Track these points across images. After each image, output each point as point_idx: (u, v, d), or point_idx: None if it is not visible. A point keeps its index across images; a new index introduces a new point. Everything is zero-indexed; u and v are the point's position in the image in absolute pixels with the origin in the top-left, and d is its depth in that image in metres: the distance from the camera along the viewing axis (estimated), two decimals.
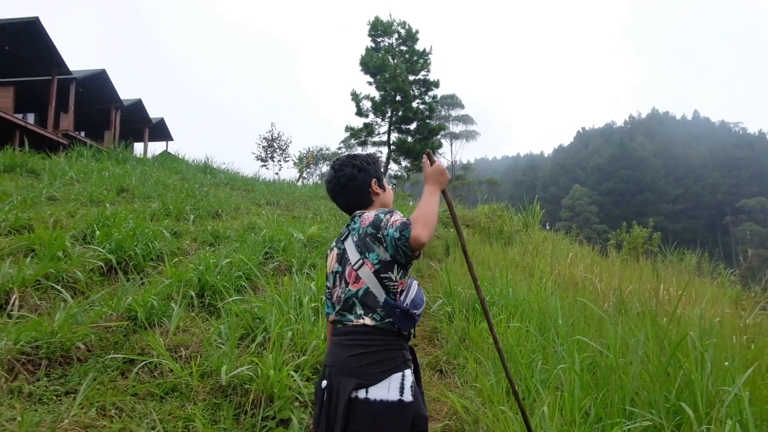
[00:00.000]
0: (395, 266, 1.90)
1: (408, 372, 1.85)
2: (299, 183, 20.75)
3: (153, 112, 31.04)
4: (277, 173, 28.86)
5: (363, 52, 27.05)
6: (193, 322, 3.48)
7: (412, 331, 2.00)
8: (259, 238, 5.98)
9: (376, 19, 27.43)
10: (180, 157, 18.72)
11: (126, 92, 27.23)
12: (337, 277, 2.03)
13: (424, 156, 2.04)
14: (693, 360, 3.04)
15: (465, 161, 66.29)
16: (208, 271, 4.00)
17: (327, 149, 46.88)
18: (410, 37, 27.37)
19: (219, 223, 7.16)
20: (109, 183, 8.60)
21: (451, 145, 61.38)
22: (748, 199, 75.73)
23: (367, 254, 1.92)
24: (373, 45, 27.71)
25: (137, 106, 28.48)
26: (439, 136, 30.48)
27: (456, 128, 61.69)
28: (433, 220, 1.83)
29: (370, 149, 30.17)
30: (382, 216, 1.94)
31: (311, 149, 41.37)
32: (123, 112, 26.32)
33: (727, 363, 3.23)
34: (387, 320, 1.87)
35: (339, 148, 46.97)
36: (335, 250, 2.10)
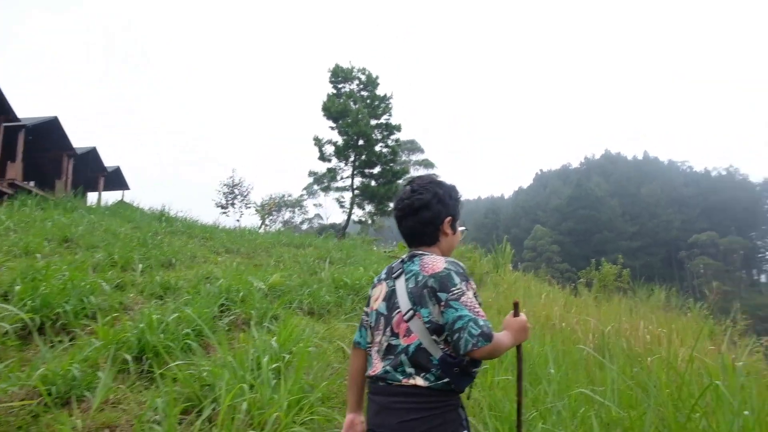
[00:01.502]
0: (444, 332, 1.68)
1: None
2: (261, 230, 20.11)
3: (109, 161, 30.08)
4: (238, 220, 28.05)
5: (325, 98, 27.15)
6: (126, 394, 2.89)
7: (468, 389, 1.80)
8: (215, 288, 5.42)
9: (337, 66, 27.73)
10: (135, 205, 17.92)
11: (81, 140, 26.27)
12: (382, 320, 1.82)
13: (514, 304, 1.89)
14: (715, 411, 2.67)
15: None
16: (150, 329, 3.43)
17: (289, 196, 46.42)
18: (371, 83, 27.69)
19: (171, 273, 6.55)
20: (51, 233, 7.91)
21: None
22: (699, 234, 78.56)
23: (419, 308, 1.71)
24: (335, 91, 27.88)
25: (91, 155, 27.49)
26: (402, 180, 30.51)
27: (417, 173, 62.45)
28: (496, 355, 1.71)
29: (334, 194, 29.91)
30: (456, 278, 1.71)
31: (273, 196, 40.73)
32: (76, 161, 25.30)
33: (747, 412, 2.88)
34: (443, 380, 1.64)
35: (301, 195, 46.63)
36: (384, 286, 1.89)
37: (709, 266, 73.03)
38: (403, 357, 1.70)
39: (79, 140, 24.87)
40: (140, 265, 6.16)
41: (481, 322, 1.60)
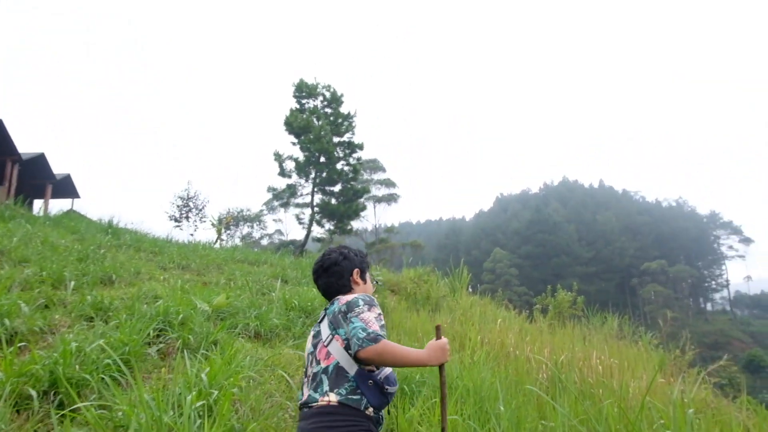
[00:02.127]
0: None
1: None
2: (217, 245, 19.47)
3: (59, 168, 28.78)
4: (192, 234, 27.15)
5: (287, 113, 26.82)
6: None
7: (382, 415, 1.98)
8: (152, 309, 5.05)
9: (301, 81, 27.48)
10: (83, 215, 17.11)
11: (28, 146, 25.08)
12: (310, 357, 2.08)
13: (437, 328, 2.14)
14: None
15: (389, 224, 66.77)
16: (64, 359, 3.08)
17: (248, 211, 45.45)
18: (335, 100, 27.54)
19: (108, 291, 6.12)
20: None
21: (375, 208, 61.72)
22: (651, 262, 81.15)
23: (337, 330, 2.00)
24: (298, 106, 27.58)
25: (39, 161, 26.19)
26: (362, 199, 30.28)
27: (378, 192, 62.30)
28: (392, 363, 1.88)
29: (294, 210, 29.45)
30: (360, 301, 2.02)
31: (231, 210, 39.77)
32: (22, 167, 24.04)
33: None
34: (355, 396, 1.86)
35: (261, 210, 45.80)
36: (312, 332, 2.17)
37: (660, 293, 75.44)
38: (322, 376, 1.93)
39: (26, 146, 23.70)
40: (72, 282, 5.72)
41: (369, 330, 1.88)
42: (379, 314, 2.02)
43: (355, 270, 2.27)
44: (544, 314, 12.72)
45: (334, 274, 2.24)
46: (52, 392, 2.97)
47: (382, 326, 1.94)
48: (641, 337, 9.56)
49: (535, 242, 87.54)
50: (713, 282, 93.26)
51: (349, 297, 2.08)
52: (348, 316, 1.98)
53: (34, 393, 2.80)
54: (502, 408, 3.76)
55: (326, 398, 1.85)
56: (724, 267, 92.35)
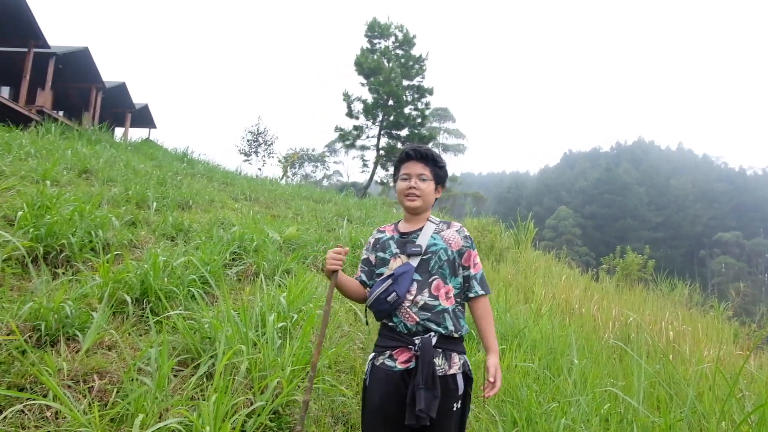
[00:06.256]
0: None
1: (370, 356, 2.03)
2: (282, 181, 19.91)
3: (138, 98, 29.97)
4: (260, 169, 27.81)
5: (358, 53, 26.38)
6: (124, 338, 2.69)
7: (394, 321, 1.99)
8: (228, 235, 5.21)
9: (374, 20, 26.78)
10: (159, 144, 17.85)
11: (110, 74, 26.12)
12: None
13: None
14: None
15: (452, 174, 65.90)
16: (154, 271, 3.22)
17: (313, 150, 46.09)
18: (407, 42, 26.76)
19: (186, 214, 6.38)
20: (71, 163, 7.76)
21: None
22: (725, 233, 76.47)
23: None
24: (369, 46, 27.04)
25: (120, 90, 27.32)
26: (429, 145, 29.76)
27: (446, 141, 61.19)
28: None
29: (357, 153, 29.50)
30: None
31: (297, 149, 40.37)
32: (105, 95, 25.18)
33: None
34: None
35: (323, 151, 46.34)
36: None
37: (731, 266, 71.33)
38: None
39: (109, 74, 24.70)
40: (154, 204, 5.98)
41: None
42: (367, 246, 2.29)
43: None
44: (610, 275, 12.33)
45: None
46: (144, 300, 3.14)
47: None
48: (713, 307, 9.09)
49: (601, 202, 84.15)
50: None
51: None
52: None
53: (128, 299, 2.96)
54: (575, 361, 3.65)
55: None
56: None
